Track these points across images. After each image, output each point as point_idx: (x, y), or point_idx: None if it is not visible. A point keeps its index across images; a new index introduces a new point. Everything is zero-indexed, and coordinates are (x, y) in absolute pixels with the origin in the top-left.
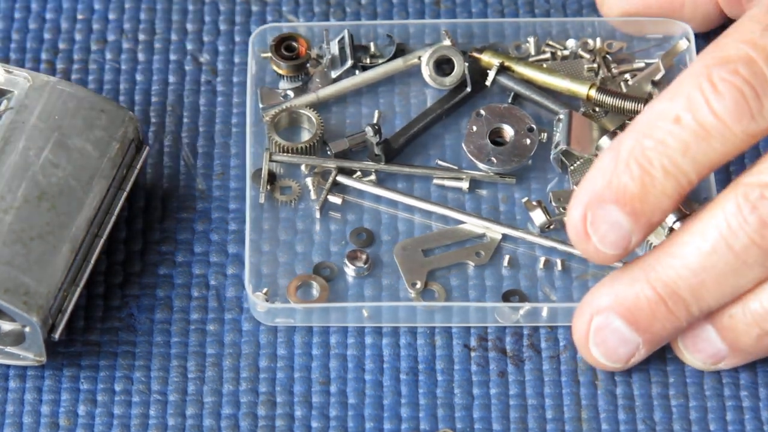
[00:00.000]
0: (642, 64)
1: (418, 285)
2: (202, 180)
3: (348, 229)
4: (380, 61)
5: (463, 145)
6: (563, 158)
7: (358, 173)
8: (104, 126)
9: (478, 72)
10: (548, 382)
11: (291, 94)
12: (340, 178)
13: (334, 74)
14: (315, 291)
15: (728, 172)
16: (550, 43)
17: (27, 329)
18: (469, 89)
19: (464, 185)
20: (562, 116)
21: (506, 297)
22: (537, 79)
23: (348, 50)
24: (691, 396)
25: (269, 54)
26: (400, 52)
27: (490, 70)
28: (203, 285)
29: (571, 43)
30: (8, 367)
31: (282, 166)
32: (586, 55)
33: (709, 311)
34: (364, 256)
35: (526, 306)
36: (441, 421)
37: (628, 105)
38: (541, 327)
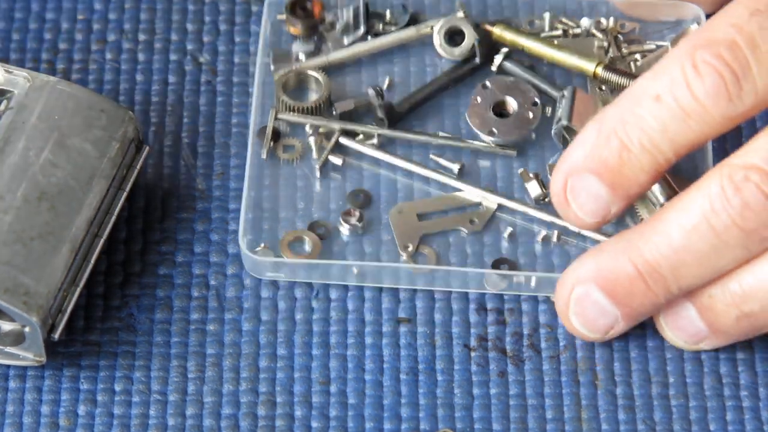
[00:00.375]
0: (653, 47)
1: (410, 248)
2: (202, 180)
3: (347, 192)
4: (393, 28)
5: (466, 115)
6: (565, 134)
7: (361, 136)
8: (104, 126)
9: (489, 45)
10: (548, 382)
11: (303, 57)
12: (343, 140)
13: (346, 41)
14: (307, 247)
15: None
16: (563, 20)
17: (27, 329)
18: (478, 61)
19: (455, 167)
20: (566, 92)
21: (496, 265)
22: (546, 54)
23: (361, 17)
24: (691, 396)
25: (284, 15)
26: (414, 21)
27: (500, 44)
28: (203, 285)
29: (584, 21)
30: (8, 367)
31: (287, 126)
32: (598, 34)
33: (688, 290)
34: (358, 214)
35: (514, 274)
36: (441, 421)
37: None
38: (541, 327)
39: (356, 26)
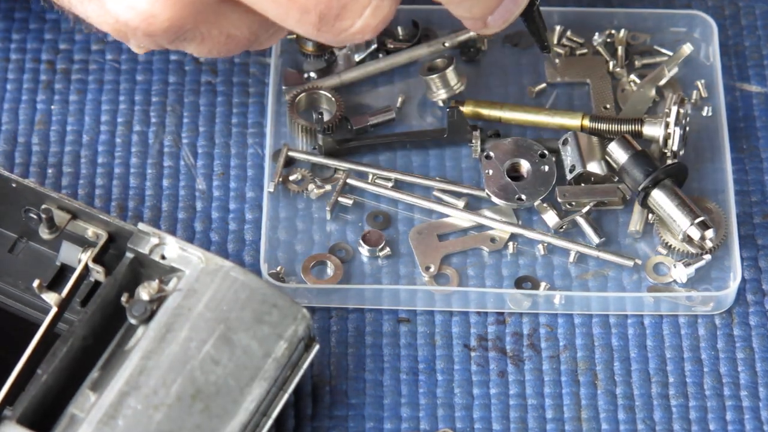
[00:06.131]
0: (664, 57)
1: (432, 269)
2: (202, 180)
3: (365, 213)
4: (404, 45)
5: (485, 190)
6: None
7: (372, 177)
8: (274, 322)
9: (457, 122)
10: (548, 382)
11: (314, 75)
12: (351, 181)
13: (357, 57)
14: (329, 270)
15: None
16: (570, 36)
17: None
18: (445, 135)
19: (460, 204)
20: (568, 137)
21: (518, 283)
22: (527, 120)
23: None
24: (691, 396)
25: (294, 35)
26: (425, 37)
27: (471, 118)
28: None
29: (596, 37)
30: None
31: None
32: (604, 53)
33: None
34: (378, 237)
35: (538, 293)
36: (441, 421)
37: (624, 127)
38: (541, 327)
39: (368, 42)
